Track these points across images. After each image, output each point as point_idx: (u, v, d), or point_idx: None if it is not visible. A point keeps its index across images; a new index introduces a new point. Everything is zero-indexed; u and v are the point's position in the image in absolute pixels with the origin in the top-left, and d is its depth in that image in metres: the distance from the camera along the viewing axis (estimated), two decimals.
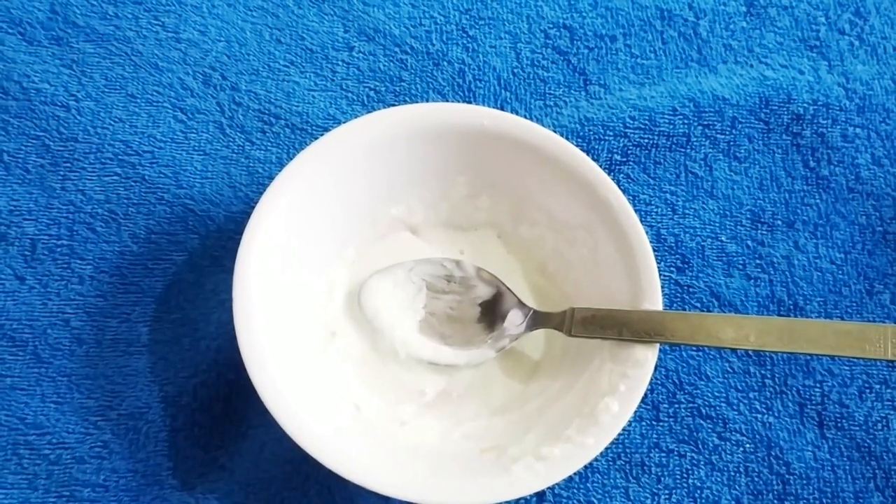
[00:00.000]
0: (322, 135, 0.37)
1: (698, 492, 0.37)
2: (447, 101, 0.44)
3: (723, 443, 0.38)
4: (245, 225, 0.35)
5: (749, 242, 0.42)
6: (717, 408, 0.39)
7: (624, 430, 0.33)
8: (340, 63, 0.45)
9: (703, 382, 0.39)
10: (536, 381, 0.37)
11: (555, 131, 0.38)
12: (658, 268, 0.35)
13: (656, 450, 0.38)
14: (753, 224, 0.43)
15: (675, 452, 0.38)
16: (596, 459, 0.33)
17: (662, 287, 0.35)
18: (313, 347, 0.36)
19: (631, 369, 0.33)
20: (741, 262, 0.42)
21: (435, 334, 0.38)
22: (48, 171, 0.40)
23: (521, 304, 0.38)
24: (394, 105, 0.43)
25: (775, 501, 0.37)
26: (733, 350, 0.40)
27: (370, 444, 0.34)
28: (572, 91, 0.45)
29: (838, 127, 0.45)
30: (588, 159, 0.37)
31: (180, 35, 0.44)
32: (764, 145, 0.44)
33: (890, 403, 0.39)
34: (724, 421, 0.39)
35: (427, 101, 0.44)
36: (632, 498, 0.37)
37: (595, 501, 0.37)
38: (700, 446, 0.38)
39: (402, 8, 0.46)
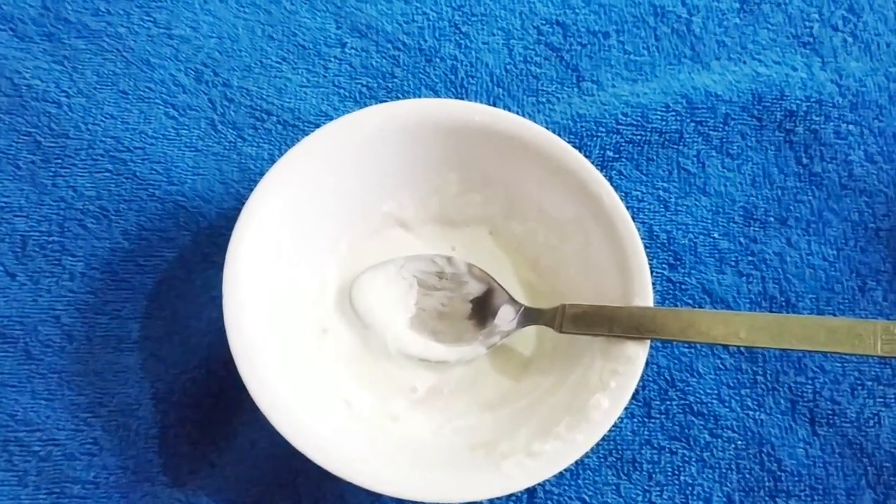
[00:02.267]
0: (314, 131, 0.37)
1: (690, 488, 0.37)
2: (439, 97, 0.44)
3: (714, 439, 0.38)
4: (236, 221, 0.35)
5: (741, 239, 0.42)
6: (709, 404, 0.39)
7: (615, 426, 0.33)
8: (332, 59, 0.45)
9: (694, 379, 0.39)
10: (527, 378, 0.37)
11: (547, 128, 0.38)
12: (650, 264, 0.35)
13: (648, 446, 0.38)
14: (746, 221, 0.43)
15: (667, 449, 0.38)
16: (587, 456, 0.33)
17: (654, 284, 0.35)
18: (304, 344, 0.36)
19: (621, 366, 0.33)
20: (733, 258, 0.42)
21: (426, 331, 0.38)
22: (39, 167, 0.40)
23: (513, 301, 0.38)
24: (386, 101, 0.43)
25: (767, 498, 0.37)
26: (725, 347, 0.40)
27: (361, 441, 0.34)
28: (565, 87, 0.45)
29: (831, 124, 0.45)
30: (580, 156, 0.37)
31: (172, 31, 0.44)
32: (757, 142, 0.44)
33: (881, 400, 0.39)
34: (715, 418, 0.39)
35: (419, 97, 0.44)
36: (623, 495, 0.37)
37: (586, 498, 0.37)
38: (691, 443, 0.38)
39: (394, 4, 0.46)
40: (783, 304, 0.41)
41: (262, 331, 0.33)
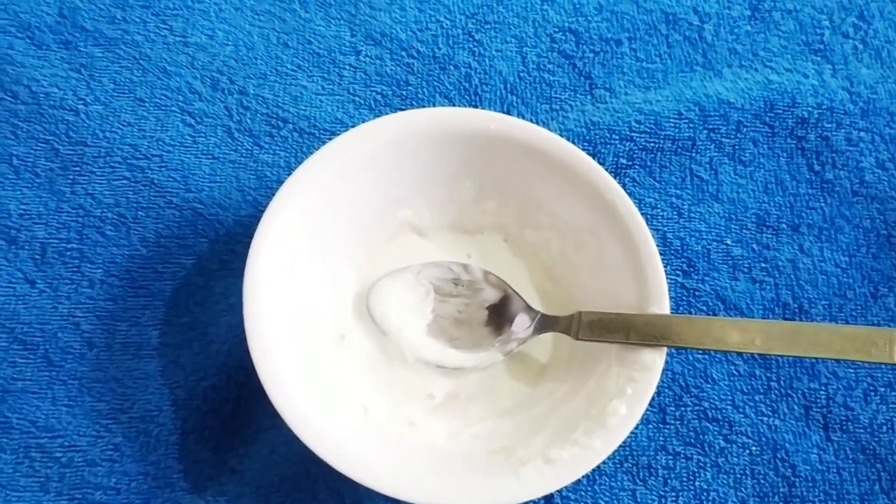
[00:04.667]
0: (330, 139, 0.37)
1: (705, 494, 0.38)
2: (454, 105, 0.44)
3: (729, 445, 0.38)
4: (253, 228, 0.35)
5: (754, 246, 0.43)
6: (724, 410, 0.39)
7: (631, 432, 0.33)
8: (347, 67, 0.45)
9: (709, 385, 0.39)
10: (544, 384, 0.38)
11: (561, 135, 0.38)
12: (664, 271, 0.35)
13: (663, 452, 0.38)
14: (759, 228, 0.43)
15: (682, 455, 0.38)
16: (603, 462, 0.33)
17: (668, 291, 0.35)
18: (322, 350, 0.36)
19: (638, 372, 0.34)
20: (747, 265, 0.42)
21: (443, 337, 0.38)
22: (58, 174, 0.41)
23: (529, 308, 0.38)
24: (400, 109, 0.44)
25: (781, 503, 0.38)
26: (739, 353, 0.40)
27: (379, 447, 0.34)
28: (578, 95, 0.45)
29: (843, 131, 0.45)
30: (594, 163, 0.37)
31: (188, 39, 0.45)
32: (769, 149, 0.45)
33: (895, 406, 0.40)
34: (730, 423, 0.39)
35: (434, 105, 0.44)
36: (639, 500, 0.37)
37: None
38: (706, 449, 0.38)
39: (408, 12, 0.46)
40: (796, 310, 0.41)
41: (282, 337, 0.34)
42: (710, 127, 0.44)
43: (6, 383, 0.37)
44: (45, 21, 0.44)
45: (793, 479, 0.38)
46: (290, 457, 0.36)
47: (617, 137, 0.43)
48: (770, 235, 0.43)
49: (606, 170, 0.37)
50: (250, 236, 0.35)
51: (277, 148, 0.43)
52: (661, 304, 0.35)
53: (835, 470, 0.38)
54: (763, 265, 0.42)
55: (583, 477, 0.36)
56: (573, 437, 0.33)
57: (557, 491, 0.37)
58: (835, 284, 0.42)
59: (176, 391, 0.37)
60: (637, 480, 0.38)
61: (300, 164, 0.37)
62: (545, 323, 0.37)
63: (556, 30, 0.47)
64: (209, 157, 0.42)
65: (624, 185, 0.38)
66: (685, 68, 0.46)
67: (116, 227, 0.40)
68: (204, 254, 0.40)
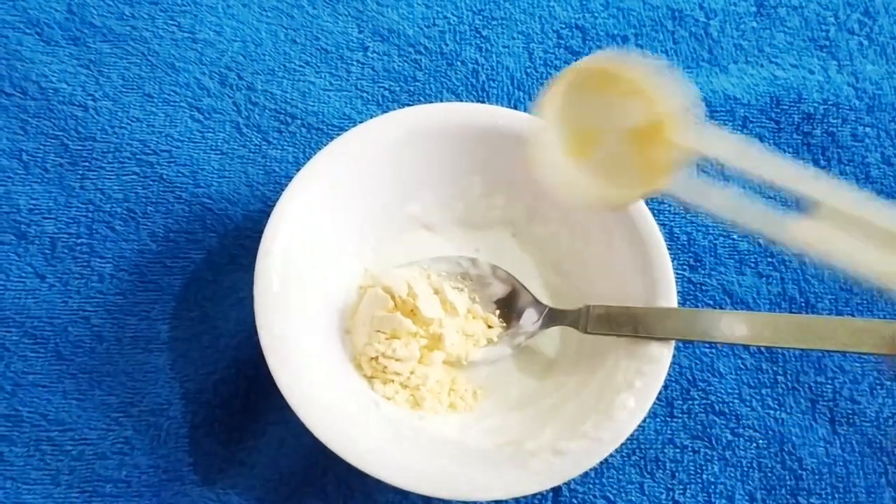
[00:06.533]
0: (338, 134, 0.37)
1: (712, 487, 0.38)
2: (461, 100, 0.45)
3: (736, 438, 0.39)
4: (262, 223, 0.35)
5: (760, 240, 0.43)
6: (731, 404, 0.39)
7: (639, 426, 0.33)
8: (355, 63, 0.45)
9: (716, 379, 0.40)
10: (552, 378, 0.38)
11: None
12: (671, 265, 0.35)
13: (670, 445, 0.38)
14: None
15: (689, 448, 0.38)
16: (611, 455, 0.33)
17: (675, 285, 0.35)
18: (332, 344, 0.36)
19: (646, 365, 0.34)
20: (753, 259, 0.42)
21: None
22: (67, 170, 0.41)
23: (537, 302, 0.38)
24: (408, 105, 0.44)
25: (788, 496, 0.38)
26: (745, 347, 0.40)
27: (388, 439, 0.34)
28: None
29: (848, 126, 0.45)
30: None
31: (196, 35, 0.45)
32: (775, 144, 0.45)
33: None
34: (737, 417, 0.39)
35: (441, 100, 0.45)
36: (646, 493, 0.37)
37: (610, 496, 0.37)
38: (714, 442, 0.38)
39: (415, 8, 0.47)
40: (802, 304, 0.41)
41: (291, 330, 0.34)
42: (716, 122, 0.44)
43: (17, 377, 0.37)
44: (54, 17, 0.44)
45: (799, 472, 0.38)
46: (300, 449, 0.36)
47: None
48: None
49: None
50: (259, 231, 0.35)
51: (286, 143, 0.43)
52: (669, 298, 0.35)
53: (841, 463, 0.38)
54: (769, 259, 0.42)
55: (591, 469, 0.36)
56: (582, 430, 0.33)
57: (566, 484, 0.37)
58: (841, 279, 0.42)
59: (185, 385, 0.37)
60: (645, 473, 0.38)
61: (309, 159, 0.37)
62: (553, 317, 0.37)
63: (563, 26, 0.47)
64: (218, 152, 0.42)
65: None
66: (691, 64, 0.46)
67: (126, 222, 0.40)
68: (213, 248, 0.40)
